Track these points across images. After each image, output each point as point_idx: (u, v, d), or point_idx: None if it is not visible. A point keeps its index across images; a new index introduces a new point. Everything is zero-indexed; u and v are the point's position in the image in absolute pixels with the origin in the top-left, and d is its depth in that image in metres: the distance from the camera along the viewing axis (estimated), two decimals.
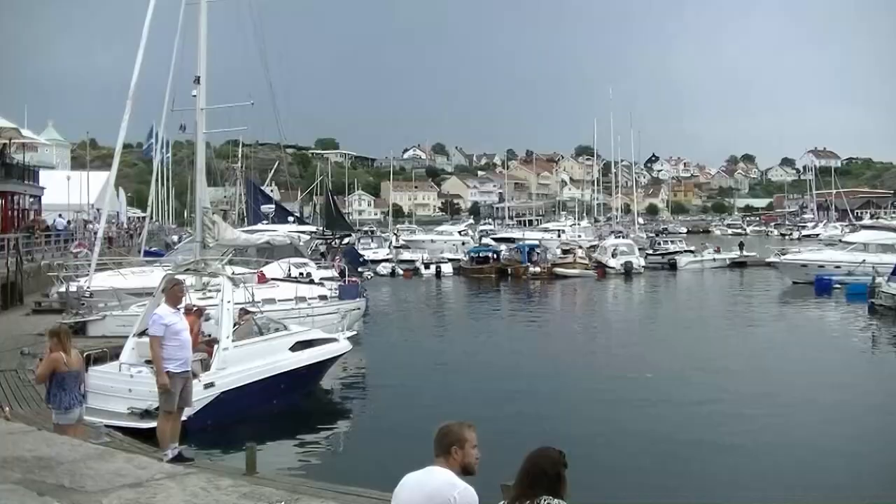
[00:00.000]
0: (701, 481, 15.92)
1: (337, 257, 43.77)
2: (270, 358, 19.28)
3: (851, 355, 30.89)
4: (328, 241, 48.54)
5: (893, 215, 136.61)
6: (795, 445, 18.18)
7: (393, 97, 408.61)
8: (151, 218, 46.64)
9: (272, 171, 77.98)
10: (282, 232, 39.71)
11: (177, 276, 15.98)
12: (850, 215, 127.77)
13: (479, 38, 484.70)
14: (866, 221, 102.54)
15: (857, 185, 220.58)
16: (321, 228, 53.66)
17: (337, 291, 32.33)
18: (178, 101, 26.83)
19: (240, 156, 73.74)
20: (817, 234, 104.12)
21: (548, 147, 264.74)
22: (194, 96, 25.77)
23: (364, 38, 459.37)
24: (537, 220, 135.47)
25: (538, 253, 69.97)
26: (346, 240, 51.98)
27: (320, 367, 21.43)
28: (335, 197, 75.41)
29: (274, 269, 33.25)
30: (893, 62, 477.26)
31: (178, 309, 13.39)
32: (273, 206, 59.89)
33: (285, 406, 19.54)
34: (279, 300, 27.54)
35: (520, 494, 5.19)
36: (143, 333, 15.63)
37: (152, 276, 24.11)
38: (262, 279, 30.04)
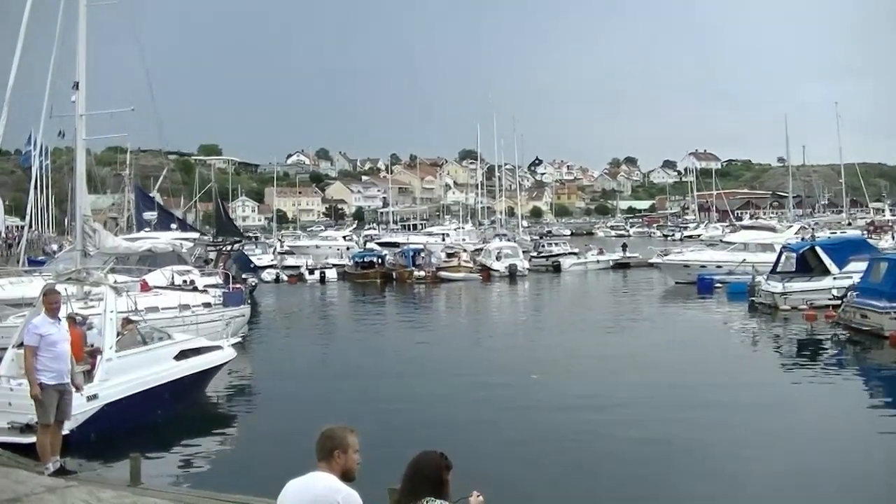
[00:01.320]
0: (583, 483, 16.41)
1: (223, 264, 43.49)
2: (155, 368, 19.23)
3: (732, 352, 31.99)
4: (219, 247, 48.13)
5: (772, 215, 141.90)
6: (676, 444, 18.85)
7: (276, 103, 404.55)
8: (31, 227, 45.28)
9: (161, 177, 76.41)
10: (164, 239, 39.19)
11: (54, 285, 15.76)
12: (731, 216, 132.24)
13: (363, 42, 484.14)
14: (746, 222, 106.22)
15: (737, 186, 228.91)
16: (211, 234, 53.15)
17: (221, 299, 32.17)
18: (56, 107, 26.44)
19: (127, 162, 72.29)
20: (699, 235, 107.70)
21: (432, 151, 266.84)
22: (73, 102, 25.33)
23: (245, 43, 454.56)
24: (422, 224, 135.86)
25: (422, 257, 70.41)
26: (236, 246, 51.49)
27: (205, 375, 21.44)
28: (224, 203, 74.46)
29: (157, 277, 32.95)
30: (767, 64, 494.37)
31: (58, 319, 13.22)
32: (155, 213, 58.86)
33: (170, 416, 19.46)
34: (162, 308, 27.42)
35: (404, 497, 5.40)
36: (21, 345, 15.38)
37: (32, 286, 23.72)
38: (145, 287, 29.79)
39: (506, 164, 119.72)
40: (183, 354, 20.41)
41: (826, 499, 14.89)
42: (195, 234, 52.29)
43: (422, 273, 67.05)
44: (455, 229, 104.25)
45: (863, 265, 38.00)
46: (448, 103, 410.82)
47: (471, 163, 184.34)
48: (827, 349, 32.64)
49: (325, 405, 22.10)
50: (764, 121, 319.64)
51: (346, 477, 5.40)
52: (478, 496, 5.57)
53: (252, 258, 68.56)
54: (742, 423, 20.28)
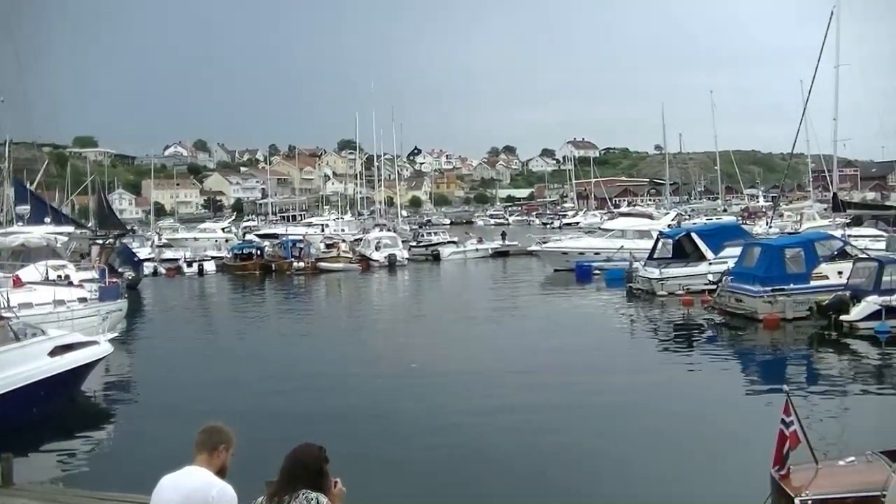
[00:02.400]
0: (457, 470, 16.52)
1: (106, 257, 42.60)
2: (28, 365, 18.98)
3: (611, 338, 32.67)
4: (101, 240, 46.93)
5: (649, 203, 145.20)
6: (554, 430, 19.15)
7: (153, 93, 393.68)
8: None
9: (41, 171, 73.69)
10: (38, 234, 38.12)
11: None
12: (609, 203, 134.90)
13: (241, 32, 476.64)
14: (624, 209, 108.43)
15: (615, 174, 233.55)
16: (92, 228, 51.85)
17: (97, 293, 31.61)
18: None
19: (6, 155, 69.50)
20: (577, 223, 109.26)
21: (310, 142, 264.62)
22: None
23: (121, 33, 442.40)
24: (301, 215, 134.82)
25: (301, 248, 70.13)
26: (120, 239, 50.29)
27: (81, 371, 21.22)
28: (106, 196, 72.57)
29: (30, 273, 32.52)
30: (647, 56, 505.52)
31: None
32: (28, 206, 56.90)
33: (45, 413, 19.06)
34: (36, 304, 27.14)
35: (280, 489, 5.32)
36: None
37: None
38: (18, 283, 29.41)
39: (385, 154, 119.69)
40: (57, 350, 20.14)
41: (701, 478, 15.28)
42: (70, 228, 50.95)
43: (301, 264, 67.08)
44: (334, 220, 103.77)
45: (737, 250, 39.31)
46: (327, 94, 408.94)
47: (350, 153, 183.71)
48: (703, 333, 33.58)
49: (204, 400, 21.81)
50: (641, 109, 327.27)
51: (221, 473, 5.42)
52: (340, 487, 5.52)
53: None
54: (618, 408, 20.69)
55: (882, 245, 44.07)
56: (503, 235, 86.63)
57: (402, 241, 76.66)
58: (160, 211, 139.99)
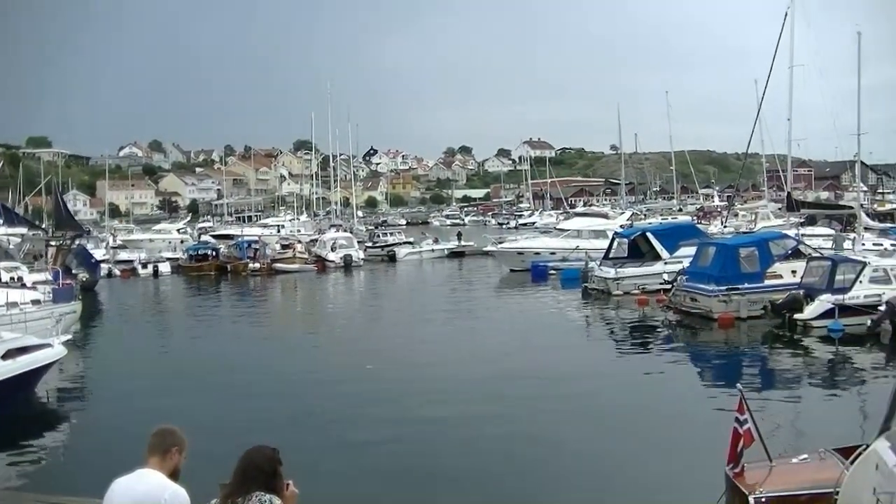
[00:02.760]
0: (413, 472, 16.48)
1: (63, 259, 42.16)
2: None
3: (567, 338, 32.66)
4: (58, 242, 46.34)
5: (605, 202, 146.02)
6: (513, 430, 19.16)
7: (107, 93, 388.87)
8: None
9: None
10: None
11: None
12: (565, 203, 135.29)
13: (194, 31, 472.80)
14: (579, 209, 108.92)
15: (571, 174, 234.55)
16: (47, 229, 51.32)
17: (50, 295, 31.34)
18: None
19: None
20: (533, 223, 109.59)
21: (266, 142, 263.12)
22: None
23: (74, 32, 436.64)
24: (257, 215, 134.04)
25: (256, 249, 69.86)
26: (77, 240, 49.65)
27: (34, 374, 21.09)
28: (63, 196, 71.59)
29: None
30: (603, 56, 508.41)
31: None
32: None
33: None
34: None
35: (234, 491, 5.26)
36: None
37: None
38: None
39: (341, 155, 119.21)
40: (10, 353, 20.07)
41: (656, 477, 15.32)
42: (24, 229, 50.33)
43: (256, 265, 66.78)
44: (290, 220, 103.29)
45: (692, 250, 39.60)
46: (282, 94, 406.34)
47: (306, 153, 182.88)
48: (658, 333, 33.73)
49: (157, 402, 21.52)
50: (597, 109, 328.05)
51: (174, 476, 5.40)
52: (293, 489, 5.45)
53: None
54: (573, 408, 20.76)
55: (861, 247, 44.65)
56: (459, 236, 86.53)
57: (358, 242, 76.50)
58: (115, 212, 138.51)
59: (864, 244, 44.07)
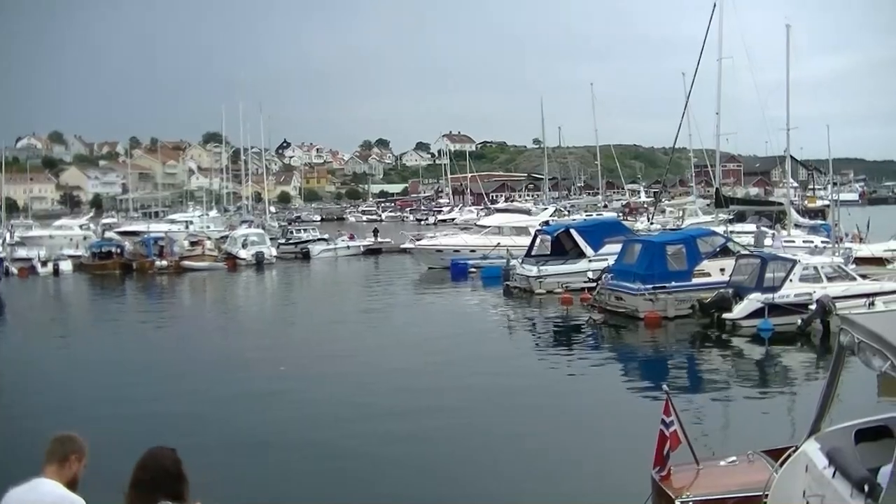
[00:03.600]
0: (321, 476, 16.33)
1: None
2: None
3: (488, 339, 32.67)
4: None
5: (528, 198, 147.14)
6: (428, 433, 19.06)
7: (2, 82, 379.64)
8: None
9: None
10: None
11: None
12: (486, 199, 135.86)
13: (91, 17, 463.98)
14: (501, 205, 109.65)
15: (492, 168, 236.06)
16: None
17: None
18: None
19: None
20: (453, 219, 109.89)
21: (174, 134, 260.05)
22: None
23: None
24: (164, 211, 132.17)
25: (163, 246, 68.96)
26: None
27: None
28: None
29: None
30: (526, 47, 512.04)
31: None
32: None
33: None
34: None
35: (139, 499, 5.07)
36: None
37: None
38: None
39: (252, 148, 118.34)
40: None
41: (580, 480, 15.34)
42: None
43: (164, 263, 66.17)
44: (199, 216, 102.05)
45: (617, 247, 39.90)
46: (191, 84, 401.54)
47: (216, 146, 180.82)
48: (583, 333, 33.87)
49: (55, 408, 21.30)
50: (520, 102, 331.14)
51: (72, 485, 5.29)
52: None
53: None
54: (496, 410, 20.76)
55: (779, 243, 45.41)
56: (375, 232, 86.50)
57: (271, 239, 76.08)
58: (12, 207, 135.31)
59: (783, 241, 44.84)
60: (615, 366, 28.09)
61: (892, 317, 11.47)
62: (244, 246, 69.79)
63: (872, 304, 28.69)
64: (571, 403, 21.72)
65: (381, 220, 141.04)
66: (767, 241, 44.55)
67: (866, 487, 7.84)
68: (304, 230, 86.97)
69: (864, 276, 33.31)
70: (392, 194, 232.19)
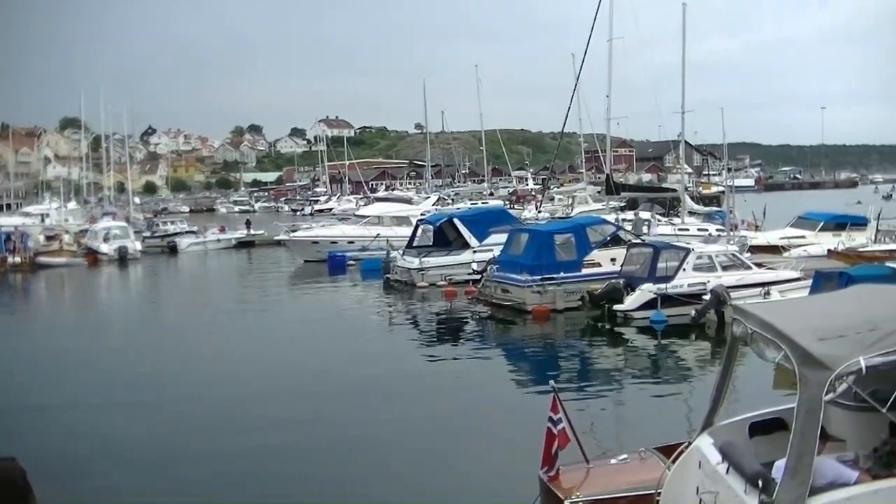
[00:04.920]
0: (181, 479, 16.23)
1: None
2: None
3: (367, 336, 32.52)
4: None
5: (410, 186, 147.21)
6: (300, 435, 18.89)
7: None
8: None
9: None
10: None
11: None
12: (365, 187, 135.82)
13: None
14: (381, 193, 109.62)
15: (372, 155, 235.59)
16: None
17: None
18: None
19: None
20: (331, 209, 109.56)
21: (27, 119, 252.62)
22: None
23: None
24: (17, 203, 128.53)
25: (16, 241, 66.67)
26: None
27: None
28: None
29: None
30: (409, 26, 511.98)
31: None
32: None
33: None
34: None
35: None
36: None
37: None
38: None
39: (115, 134, 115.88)
40: None
41: (466, 481, 15.35)
42: None
43: (17, 259, 63.67)
44: (56, 208, 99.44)
45: (503, 237, 40.08)
46: (46, 66, 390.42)
47: (74, 132, 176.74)
48: (468, 327, 34.03)
49: None
50: (400, 85, 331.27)
51: None
52: None
53: None
54: (377, 410, 20.70)
55: (658, 230, 46.20)
56: (248, 224, 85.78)
57: (135, 232, 74.48)
58: None
59: (657, 228, 45.69)
60: (502, 362, 28.22)
61: (786, 306, 11.66)
62: (106, 240, 68.19)
63: (768, 293, 29.39)
64: (456, 402, 21.70)
65: (254, 211, 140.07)
66: (645, 229, 45.29)
67: (760, 482, 7.93)
68: (172, 222, 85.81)
69: (759, 265, 34.10)
70: (266, 183, 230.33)
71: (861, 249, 39.94)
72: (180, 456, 17.66)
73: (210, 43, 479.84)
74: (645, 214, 52.93)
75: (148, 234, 78.88)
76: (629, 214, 54.63)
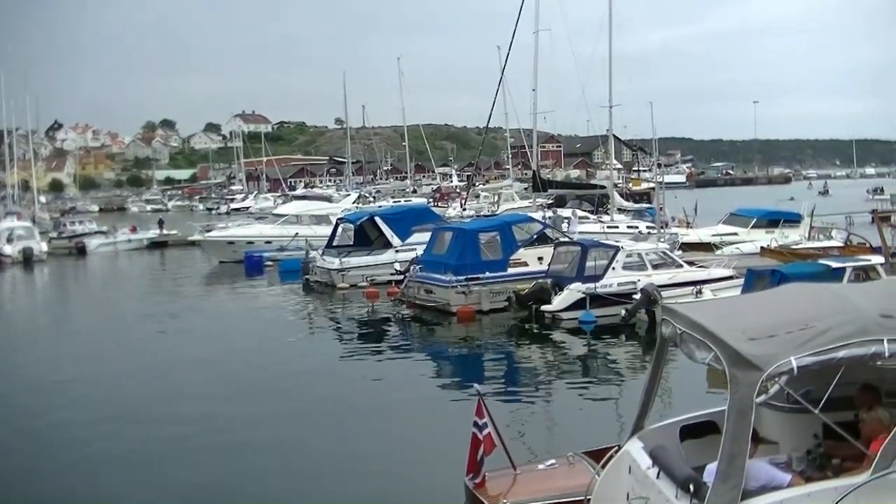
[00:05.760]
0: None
1: None
2: None
3: (286, 340, 32.18)
4: None
5: (329, 183, 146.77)
6: (217, 444, 18.69)
7: None
8: None
9: None
10: None
11: None
12: (284, 185, 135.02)
13: None
14: (300, 191, 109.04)
15: (291, 151, 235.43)
16: None
17: None
18: None
19: None
20: (247, 208, 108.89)
21: None
22: None
23: None
24: None
25: None
26: None
27: None
28: None
29: None
30: (330, 22, 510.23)
31: None
32: None
33: None
34: None
35: None
36: None
37: None
38: None
39: (18, 130, 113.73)
40: None
41: (390, 490, 15.27)
42: None
43: None
44: None
45: (426, 236, 40.03)
46: None
47: None
48: (390, 330, 33.92)
49: None
50: (320, 79, 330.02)
51: None
52: None
53: None
54: (295, 417, 20.58)
55: (588, 227, 46.50)
56: (161, 223, 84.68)
57: (41, 232, 73.40)
58: None
59: (578, 226, 45.94)
60: (425, 365, 28.12)
61: (716, 305, 11.77)
62: (9, 241, 67.03)
63: (700, 292, 29.72)
64: (378, 407, 21.57)
65: (168, 210, 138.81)
66: (565, 227, 45.53)
67: (692, 487, 7.98)
68: (80, 222, 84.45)
69: (690, 263, 34.45)
70: (179, 181, 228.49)
71: (794, 247, 40.51)
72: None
73: (118, 35, 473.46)
74: (565, 212, 53.24)
75: (55, 234, 77.64)
76: (566, 211, 55.00)
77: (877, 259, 28.85)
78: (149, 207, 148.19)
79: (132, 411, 21.63)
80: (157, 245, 75.37)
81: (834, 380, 8.54)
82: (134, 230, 79.19)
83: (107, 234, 77.15)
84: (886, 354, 8.23)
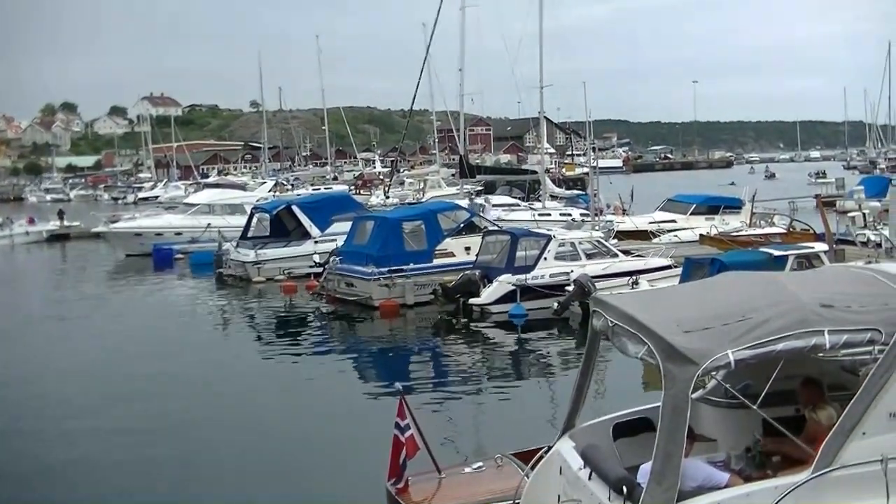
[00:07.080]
0: None
1: None
2: None
3: (198, 338, 32.01)
4: None
5: (245, 170, 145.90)
6: (120, 449, 18.49)
7: None
8: None
9: None
10: None
11: None
12: (195, 172, 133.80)
13: None
14: (212, 179, 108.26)
15: (203, 136, 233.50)
16: None
17: None
18: None
19: None
20: (156, 197, 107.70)
21: None
22: None
23: None
24: None
25: None
26: None
27: None
28: None
29: None
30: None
31: None
32: None
33: None
34: None
35: None
36: None
37: None
38: None
39: None
40: None
41: (307, 496, 15.25)
42: None
43: None
44: None
45: (347, 226, 39.91)
46: None
47: None
48: (310, 326, 33.90)
49: None
50: (233, 59, 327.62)
51: None
52: None
53: None
54: (208, 419, 20.51)
55: (518, 215, 46.64)
56: (61, 214, 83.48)
57: None
58: None
59: (492, 213, 46.11)
60: (346, 363, 28.05)
61: (650, 296, 11.83)
62: None
63: (636, 282, 29.82)
64: (295, 407, 21.53)
65: (70, 200, 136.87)
66: (483, 213, 45.64)
67: (625, 488, 7.99)
68: None
69: (627, 252, 34.70)
70: (82, 168, 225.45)
71: (735, 234, 40.98)
72: None
73: (10, 11, 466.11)
74: (479, 199, 53.34)
75: None
76: (496, 198, 55.09)
77: (820, 246, 29.26)
78: (48, 197, 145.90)
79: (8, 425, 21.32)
80: (57, 238, 74.26)
81: (773, 374, 8.60)
82: (32, 222, 77.87)
83: (2, 226, 75.93)
84: (827, 346, 8.31)
